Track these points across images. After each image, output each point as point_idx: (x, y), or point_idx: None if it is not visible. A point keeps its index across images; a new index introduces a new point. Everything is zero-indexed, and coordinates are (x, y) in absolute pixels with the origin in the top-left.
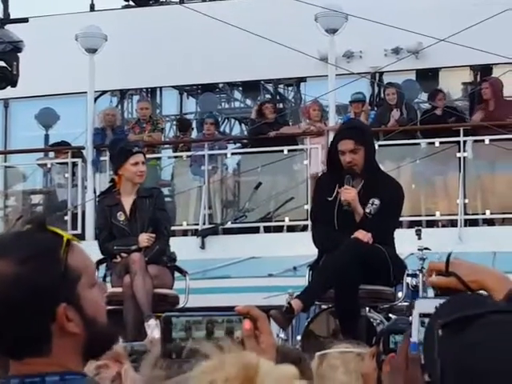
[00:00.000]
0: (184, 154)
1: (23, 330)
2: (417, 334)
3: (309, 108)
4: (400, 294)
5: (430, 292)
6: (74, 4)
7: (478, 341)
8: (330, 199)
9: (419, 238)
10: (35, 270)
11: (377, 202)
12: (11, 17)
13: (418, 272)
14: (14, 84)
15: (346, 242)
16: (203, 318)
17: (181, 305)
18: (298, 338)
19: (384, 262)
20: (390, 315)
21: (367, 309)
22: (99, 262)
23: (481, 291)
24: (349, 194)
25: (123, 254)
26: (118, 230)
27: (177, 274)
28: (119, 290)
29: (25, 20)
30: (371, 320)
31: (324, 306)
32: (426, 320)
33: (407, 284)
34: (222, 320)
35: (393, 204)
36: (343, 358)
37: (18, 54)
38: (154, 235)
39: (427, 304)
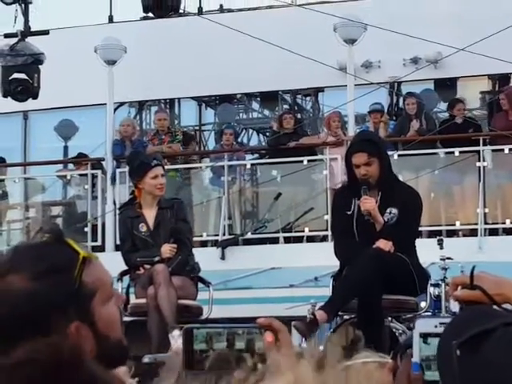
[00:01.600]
0: (204, 164)
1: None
2: (418, 353)
3: (329, 119)
4: (423, 304)
5: (453, 302)
6: (93, 16)
7: (498, 356)
8: (348, 212)
9: (441, 248)
10: (48, 287)
11: (394, 210)
12: (32, 29)
13: (440, 282)
14: (35, 96)
15: (367, 252)
16: (224, 330)
17: (204, 316)
18: (321, 348)
19: (407, 271)
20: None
21: (389, 319)
22: (123, 274)
23: (506, 304)
24: (369, 203)
25: (146, 266)
26: (141, 241)
27: (200, 285)
28: (143, 301)
29: (45, 32)
30: (393, 330)
31: (346, 317)
32: (430, 339)
33: (430, 294)
34: (242, 332)
35: (411, 212)
36: (366, 370)
37: (39, 67)
38: (176, 246)
39: (427, 323)
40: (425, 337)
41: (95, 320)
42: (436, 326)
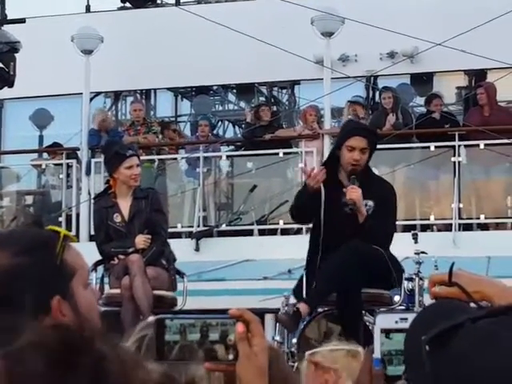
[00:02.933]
0: (179, 155)
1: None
2: (379, 349)
3: (305, 113)
4: (397, 298)
5: (426, 296)
6: (70, 5)
7: (465, 351)
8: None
9: (416, 242)
10: (30, 262)
11: (370, 203)
12: (8, 17)
13: (414, 276)
14: (10, 85)
15: (347, 245)
16: (197, 321)
17: (179, 307)
18: (294, 340)
19: (384, 264)
20: None
21: (363, 312)
22: (97, 264)
23: (483, 302)
24: (355, 193)
25: (120, 256)
26: (115, 232)
27: None
28: (117, 291)
29: (22, 21)
30: (367, 324)
31: (319, 310)
32: (392, 335)
33: (404, 288)
34: (216, 323)
35: (387, 205)
36: (332, 357)
37: (15, 55)
38: (150, 237)
39: (388, 319)
40: (386, 332)
41: (75, 300)
42: (397, 322)
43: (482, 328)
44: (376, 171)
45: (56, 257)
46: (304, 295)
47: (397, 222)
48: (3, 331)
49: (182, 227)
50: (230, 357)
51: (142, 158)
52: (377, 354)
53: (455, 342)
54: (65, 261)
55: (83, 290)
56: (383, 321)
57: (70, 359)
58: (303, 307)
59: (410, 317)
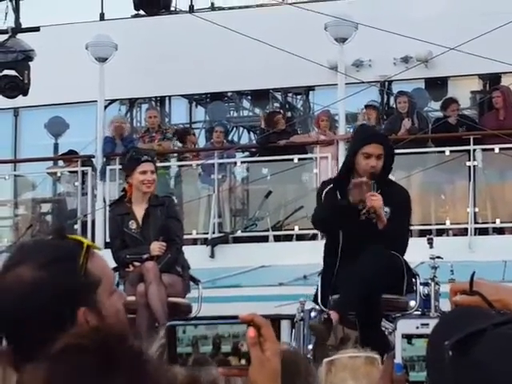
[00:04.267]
0: (194, 162)
1: (43, 335)
2: (400, 354)
3: (318, 118)
4: (412, 303)
5: (442, 301)
6: (84, 13)
7: (488, 357)
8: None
9: (431, 247)
10: (55, 275)
11: (386, 209)
12: (22, 26)
13: (430, 281)
14: (25, 93)
15: (372, 252)
16: (209, 332)
17: (193, 314)
18: (310, 347)
19: (401, 270)
20: None
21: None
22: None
23: (504, 310)
24: (376, 200)
25: (136, 263)
26: (131, 239)
27: None
28: (132, 298)
29: (36, 29)
30: (383, 329)
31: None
32: (414, 340)
33: (419, 293)
34: (228, 334)
35: (403, 211)
36: (352, 364)
37: (30, 63)
38: (165, 244)
39: (409, 324)
40: (407, 338)
41: (101, 309)
42: (418, 327)
43: (504, 334)
44: (391, 176)
45: (80, 268)
46: (319, 301)
47: (412, 227)
48: None
49: (197, 234)
50: (243, 361)
51: (157, 164)
52: (398, 360)
53: (477, 348)
54: (89, 271)
55: (109, 298)
56: (404, 326)
57: (109, 358)
58: (334, 315)
59: (431, 322)
